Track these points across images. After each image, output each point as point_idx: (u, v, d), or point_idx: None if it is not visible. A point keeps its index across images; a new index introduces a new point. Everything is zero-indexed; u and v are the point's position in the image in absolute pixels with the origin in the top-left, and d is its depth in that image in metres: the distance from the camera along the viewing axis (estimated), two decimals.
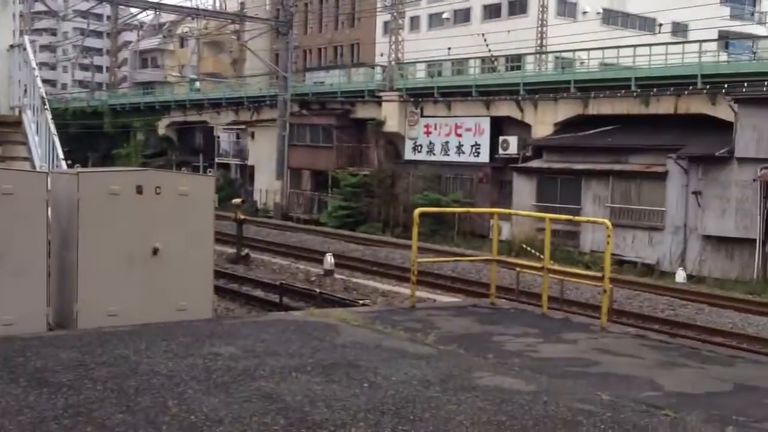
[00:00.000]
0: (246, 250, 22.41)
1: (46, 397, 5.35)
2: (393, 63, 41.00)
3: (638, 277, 24.69)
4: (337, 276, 19.83)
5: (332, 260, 20.05)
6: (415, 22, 58.03)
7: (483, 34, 40.29)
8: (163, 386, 5.72)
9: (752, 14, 60.33)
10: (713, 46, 37.49)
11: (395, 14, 43.48)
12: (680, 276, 25.20)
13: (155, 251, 8.90)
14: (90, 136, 62.59)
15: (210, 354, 6.73)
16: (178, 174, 10.30)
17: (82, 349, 6.72)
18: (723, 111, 27.00)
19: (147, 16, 69.76)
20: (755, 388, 6.71)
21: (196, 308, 9.04)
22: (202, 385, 5.78)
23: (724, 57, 38.43)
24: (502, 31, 46.28)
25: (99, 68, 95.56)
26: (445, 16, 55.60)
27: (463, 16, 53.95)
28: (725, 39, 49.52)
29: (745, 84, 26.06)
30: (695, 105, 28.58)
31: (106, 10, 75.17)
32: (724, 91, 26.58)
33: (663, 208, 27.42)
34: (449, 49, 44.72)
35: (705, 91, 27.90)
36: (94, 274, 8.59)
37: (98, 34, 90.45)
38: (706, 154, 26.09)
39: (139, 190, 8.87)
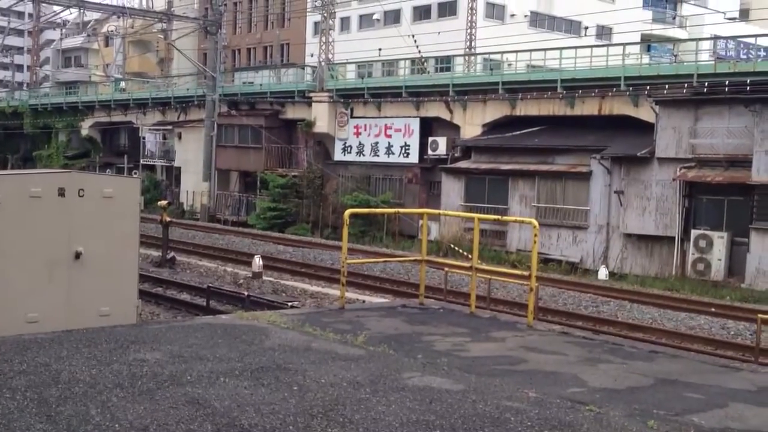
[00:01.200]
0: (172, 253, 22.05)
1: None
2: (323, 63, 40.89)
3: (562, 275, 25.18)
4: (265, 278, 19.68)
5: (260, 262, 19.88)
6: (345, 22, 58.03)
7: (413, 36, 40.49)
8: (85, 394, 5.59)
9: (673, 18, 62.22)
10: (636, 48, 38.55)
11: (325, 15, 43.37)
12: (602, 273, 25.80)
13: (77, 255, 8.69)
14: (9, 137, 60.69)
15: (135, 360, 6.60)
16: (102, 176, 10.09)
17: (0, 357, 6.51)
18: (645, 112, 27.76)
19: (70, 14, 67.94)
20: (674, 382, 6.92)
21: (120, 313, 8.87)
22: (127, 393, 5.67)
23: (646, 59, 39.54)
24: (431, 33, 46.62)
25: (19, 67, 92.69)
26: (375, 17, 55.74)
27: (393, 17, 54.18)
28: (647, 42, 50.97)
29: (666, 86, 26.85)
30: (618, 106, 29.31)
31: (27, 7, 73.03)
32: (646, 92, 27.33)
33: (587, 208, 28.02)
34: (380, 50, 44.83)
35: (628, 93, 28.64)
36: (12, 280, 8.33)
37: (19, 33, 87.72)
38: (628, 154, 26.77)
39: (62, 192, 8.65)
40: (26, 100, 62.71)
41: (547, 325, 9.50)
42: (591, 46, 33.93)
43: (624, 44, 32.10)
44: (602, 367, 7.34)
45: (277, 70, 49.30)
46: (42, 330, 7.82)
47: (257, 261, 19.91)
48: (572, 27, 54.73)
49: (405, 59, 41.13)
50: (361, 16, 57.81)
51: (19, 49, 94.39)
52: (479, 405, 5.80)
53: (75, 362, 6.44)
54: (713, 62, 30.16)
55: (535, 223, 9.50)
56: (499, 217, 11.74)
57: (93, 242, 8.79)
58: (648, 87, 27.46)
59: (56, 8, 48.49)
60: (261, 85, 45.12)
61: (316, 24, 55.09)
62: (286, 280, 20.02)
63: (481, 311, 10.26)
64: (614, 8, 53.43)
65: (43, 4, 50.35)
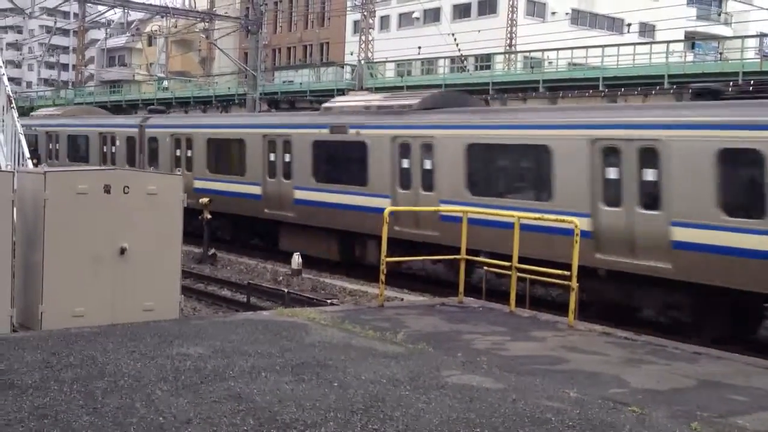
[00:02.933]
0: (212, 250, 22.27)
1: (12, 400, 5.29)
2: (362, 62, 40.99)
3: None
4: (304, 275, 19.77)
5: (300, 259, 19.97)
6: (385, 21, 58.11)
7: (453, 34, 40.39)
8: (130, 387, 5.68)
9: (718, 15, 61.23)
10: (680, 46, 38.03)
11: (365, 13, 43.50)
12: None
13: (122, 251, 8.82)
14: None
15: (178, 355, 6.70)
16: (146, 173, 10.23)
17: (48, 350, 6.65)
18: None
19: (115, 14, 68.96)
20: (718, 384, 6.83)
21: (163, 308, 8.99)
22: (171, 386, 5.76)
23: (690, 57, 39.00)
24: (472, 31, 46.49)
25: (65, 66, 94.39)
26: (415, 15, 55.73)
27: (433, 15, 54.12)
28: (691, 39, 50.27)
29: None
30: None
31: (73, 7, 74.35)
32: (690, 91, 26.91)
33: None
34: (419, 48, 44.82)
35: (672, 91, 28.23)
36: (59, 275, 8.49)
37: (65, 32, 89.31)
38: None
39: (107, 189, 8.80)
40: (71, 99, 63.83)
41: (588, 325, 9.41)
42: (634, 44, 33.57)
43: (668, 42, 31.69)
44: (644, 368, 7.26)
45: (316, 68, 49.53)
46: (88, 324, 7.97)
47: (296, 258, 20.00)
48: (614, 24, 54.16)
49: (444, 58, 41.08)
50: (400, 15, 57.85)
51: (65, 49, 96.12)
52: (520, 404, 5.78)
53: (120, 356, 6.55)
54: (759, 60, 29.61)
55: (577, 222, 9.42)
56: (540, 216, 11.64)
57: (137, 238, 8.92)
58: (692, 85, 27.04)
59: (101, 8, 49.15)
60: (301, 83, 45.39)
61: (355, 23, 55.28)
62: (325, 278, 20.10)
63: (521, 310, 10.21)
64: (657, 5, 52.68)
65: (89, 5, 51.12)
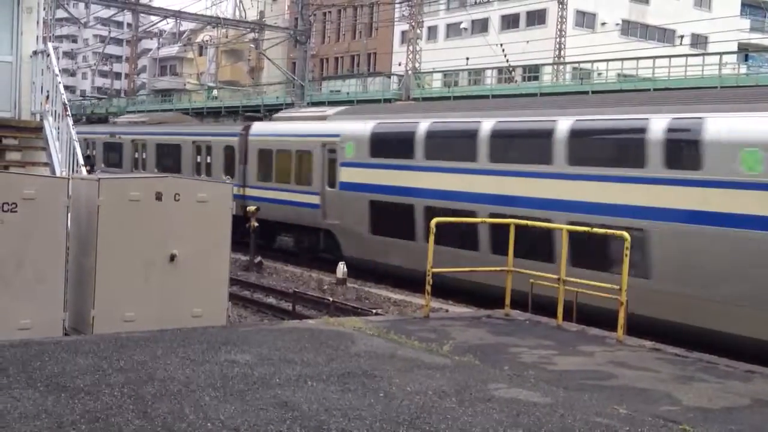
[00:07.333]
0: (259, 257, 22.46)
1: (64, 403, 5.39)
2: (410, 72, 41.06)
3: None
4: (349, 285, 19.82)
5: (345, 269, 20.04)
6: (432, 31, 58.17)
7: (501, 45, 40.27)
8: (180, 393, 5.75)
9: None
10: (733, 58, 37.38)
11: (413, 24, 43.58)
12: None
13: (172, 258, 8.94)
14: None
15: (226, 361, 6.75)
16: (197, 181, 10.36)
17: (100, 354, 6.76)
18: None
19: (167, 25, 70.22)
20: None
21: (211, 315, 9.08)
22: (219, 393, 5.81)
23: (743, 70, 38.32)
24: (520, 42, 46.30)
25: (118, 75, 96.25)
26: (463, 26, 55.69)
27: (480, 26, 54.03)
28: (745, 51, 49.36)
29: None
30: None
31: (127, 17, 75.82)
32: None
33: None
34: (467, 59, 44.76)
35: None
36: (111, 280, 8.63)
37: (118, 42, 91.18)
38: None
39: (159, 196, 8.93)
40: (124, 107, 65.05)
41: (637, 341, 9.25)
42: (686, 55, 33.08)
43: (720, 53, 31.16)
44: (696, 386, 7.11)
45: (363, 78, 49.75)
46: (138, 329, 8.08)
47: (341, 267, 20.07)
48: (665, 35, 53.46)
49: (492, 68, 40.93)
50: (448, 26, 57.86)
51: (118, 58, 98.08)
52: (568, 420, 5.70)
53: (170, 361, 6.63)
54: None
55: (627, 235, 9.27)
56: (589, 229, 11.49)
57: (187, 245, 9.03)
58: None
59: (153, 18, 50.14)
60: (348, 93, 45.63)
61: (403, 33, 55.41)
62: (370, 287, 20.12)
63: (569, 324, 10.09)
64: (710, 16, 51.96)
65: (142, 15, 52.13)
